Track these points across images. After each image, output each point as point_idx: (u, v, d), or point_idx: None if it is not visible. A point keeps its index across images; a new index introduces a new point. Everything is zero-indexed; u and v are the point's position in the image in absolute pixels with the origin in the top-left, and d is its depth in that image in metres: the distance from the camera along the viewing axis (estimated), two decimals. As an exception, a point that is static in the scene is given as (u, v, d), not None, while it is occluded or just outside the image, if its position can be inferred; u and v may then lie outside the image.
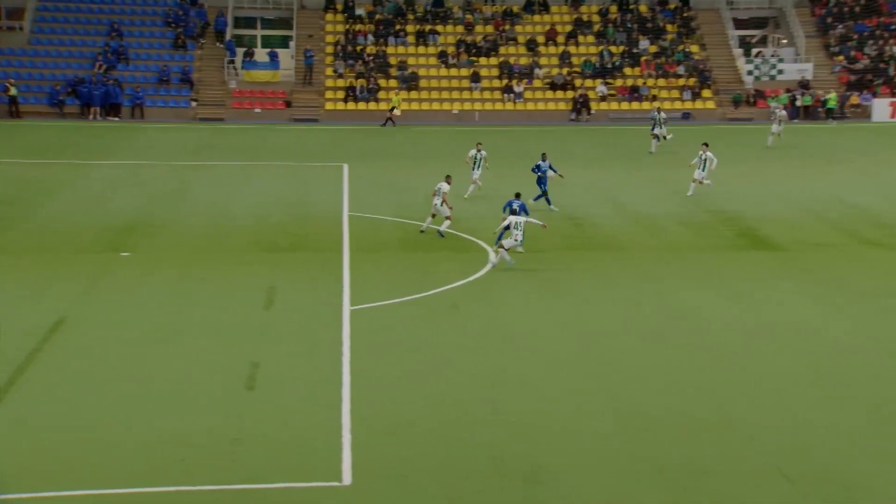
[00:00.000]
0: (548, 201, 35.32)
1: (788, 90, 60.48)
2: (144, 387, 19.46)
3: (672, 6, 65.40)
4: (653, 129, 46.73)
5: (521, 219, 27.97)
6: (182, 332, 22.42)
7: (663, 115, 47.15)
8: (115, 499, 15.36)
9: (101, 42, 58.40)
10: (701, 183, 37.09)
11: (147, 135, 50.47)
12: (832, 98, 59.50)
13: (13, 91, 53.66)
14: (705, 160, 37.00)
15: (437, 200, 30.64)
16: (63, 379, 19.71)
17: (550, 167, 35.95)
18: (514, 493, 15.78)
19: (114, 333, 22.25)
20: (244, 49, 59.77)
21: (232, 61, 58.51)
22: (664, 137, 46.37)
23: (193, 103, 56.40)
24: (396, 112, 55.09)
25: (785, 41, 65.38)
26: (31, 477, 15.83)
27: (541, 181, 35.56)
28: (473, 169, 36.46)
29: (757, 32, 67.10)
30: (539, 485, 16.06)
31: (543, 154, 36.52)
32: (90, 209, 34.38)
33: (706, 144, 37.51)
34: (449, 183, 31.08)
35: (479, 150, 36.41)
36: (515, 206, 29.26)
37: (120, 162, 43.07)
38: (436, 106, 58.16)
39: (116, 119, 54.44)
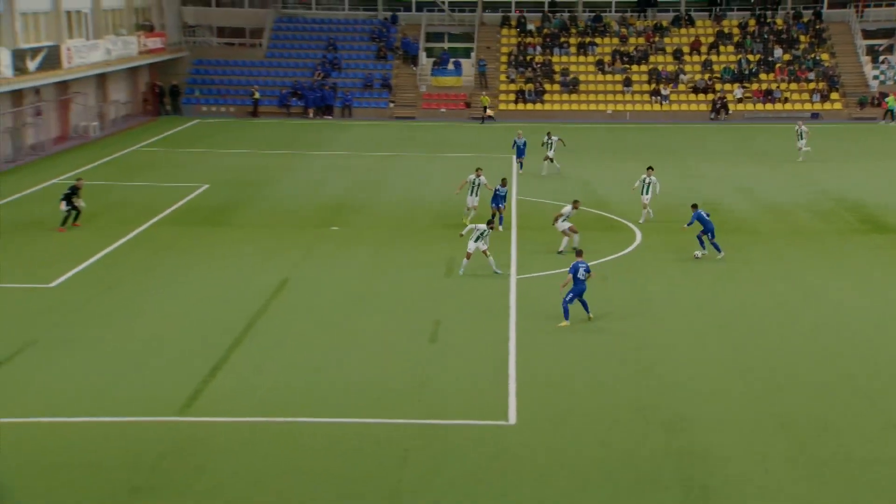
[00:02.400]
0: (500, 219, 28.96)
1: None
2: (349, 337, 19.96)
3: (805, 19, 62.38)
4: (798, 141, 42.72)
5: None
6: (378, 294, 22.87)
7: (804, 128, 42.96)
8: (330, 427, 15.81)
9: (320, 54, 59.84)
10: (645, 207, 29.86)
11: (354, 131, 51.57)
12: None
13: (257, 95, 55.68)
14: (649, 184, 29.66)
15: (563, 226, 26.13)
16: (286, 329, 20.41)
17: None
18: (657, 439, 15.50)
19: (325, 293, 22.89)
20: (433, 59, 60.26)
21: (419, 71, 59.07)
22: (802, 149, 41.92)
23: (391, 104, 57.21)
24: (489, 112, 55.11)
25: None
26: (266, 407, 16.46)
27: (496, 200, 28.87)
28: (470, 195, 29.02)
29: (884, 42, 63.25)
30: (678, 433, 15.72)
31: (503, 180, 29.66)
32: (308, 191, 35.38)
33: (651, 168, 30.22)
34: (576, 208, 26.75)
35: (478, 176, 29.10)
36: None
37: (332, 153, 44.15)
38: (592, 107, 57.29)
39: (329, 118, 55.76)
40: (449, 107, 57.34)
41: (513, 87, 58.16)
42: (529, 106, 57.22)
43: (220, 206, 32.37)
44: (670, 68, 59.22)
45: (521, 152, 37.45)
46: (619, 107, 57.27)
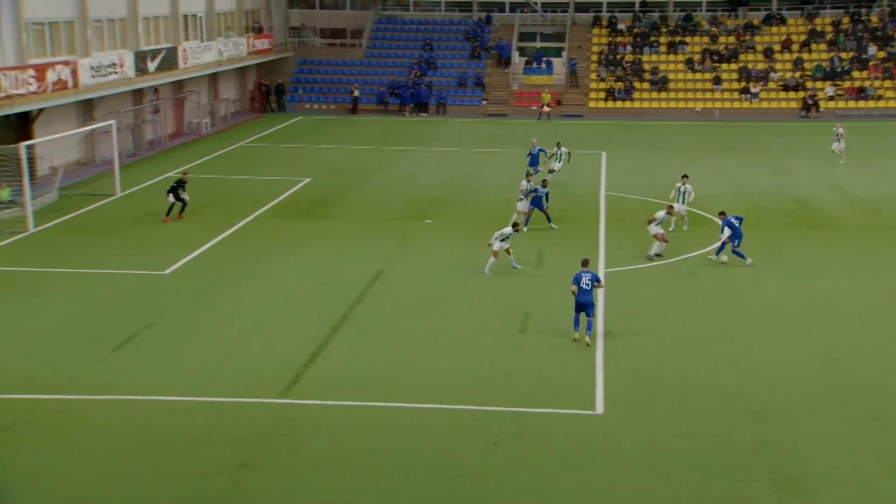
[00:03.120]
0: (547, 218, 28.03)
1: None
2: (441, 327, 20.02)
3: (900, 16, 59.92)
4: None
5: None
6: (468, 285, 22.87)
7: (841, 130, 40.33)
8: (421, 412, 15.90)
9: (417, 54, 60.16)
10: (682, 217, 27.85)
11: (448, 127, 51.69)
12: None
13: (356, 93, 56.33)
14: (683, 192, 27.95)
15: (655, 230, 25.00)
16: (381, 317, 20.59)
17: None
18: (743, 430, 15.13)
19: (418, 283, 23.01)
20: (525, 58, 59.92)
21: (511, 69, 58.83)
22: (837, 151, 39.24)
23: (484, 102, 57.11)
24: (546, 108, 54.26)
25: None
26: (361, 391, 16.65)
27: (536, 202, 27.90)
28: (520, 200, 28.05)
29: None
30: (764, 424, 15.33)
31: (544, 181, 28.99)
32: (403, 185, 35.61)
33: (685, 177, 28.59)
34: (670, 214, 26.06)
35: (528, 181, 28.48)
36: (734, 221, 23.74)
37: (427, 148, 44.34)
38: (681, 104, 56.10)
39: (425, 115, 56.00)
40: (540, 104, 57.01)
41: (603, 85, 57.48)
42: (619, 104, 56.45)
43: (321, 198, 32.84)
44: (760, 66, 57.62)
45: (534, 161, 33.87)
46: (708, 104, 56.00)
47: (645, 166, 39.22)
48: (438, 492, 13.27)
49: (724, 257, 24.38)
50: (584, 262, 19.08)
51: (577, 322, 18.68)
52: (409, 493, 13.25)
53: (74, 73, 35.29)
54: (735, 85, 56.80)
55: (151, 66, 41.73)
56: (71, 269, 23.77)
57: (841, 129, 39.78)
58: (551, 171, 34.21)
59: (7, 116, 31.15)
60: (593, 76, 58.30)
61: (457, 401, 16.17)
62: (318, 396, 16.27)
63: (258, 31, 56.93)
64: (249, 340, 18.98)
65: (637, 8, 62.68)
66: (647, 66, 58.27)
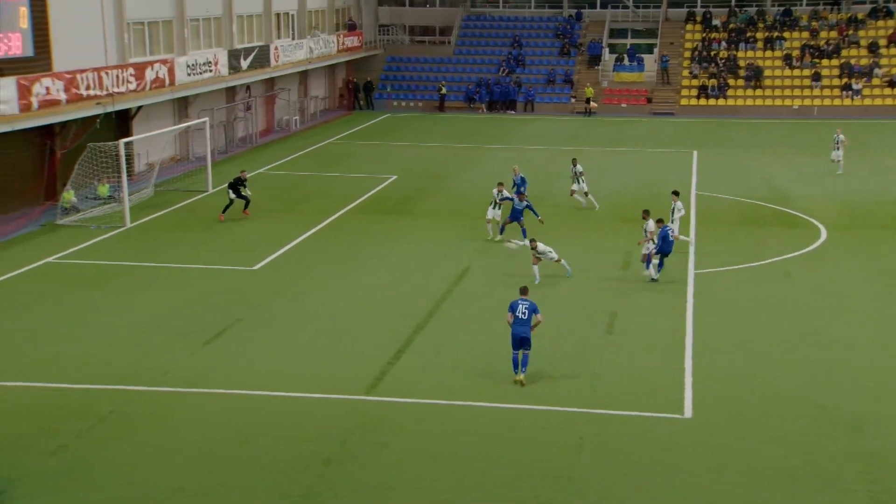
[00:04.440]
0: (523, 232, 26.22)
1: None
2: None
3: None
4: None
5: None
6: (554, 284, 22.73)
7: (842, 136, 37.73)
8: (506, 412, 15.88)
9: (506, 51, 60.10)
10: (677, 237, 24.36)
11: (535, 125, 51.49)
12: None
13: (444, 90, 56.62)
14: (672, 209, 25.03)
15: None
16: (467, 315, 20.64)
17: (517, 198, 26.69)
18: (837, 438, 14.68)
19: (504, 281, 22.91)
20: (615, 55, 59.26)
21: (601, 66, 58.24)
22: (836, 160, 36.23)
23: (572, 99, 56.70)
24: (593, 105, 53.19)
25: None
26: (446, 390, 16.69)
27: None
28: (493, 207, 26.81)
29: None
30: (860, 432, 14.85)
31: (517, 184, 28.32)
32: (489, 183, 35.47)
33: (676, 193, 25.63)
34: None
35: (500, 192, 26.77)
36: None
37: (513, 146, 44.24)
38: (777, 102, 54.66)
39: (512, 112, 55.90)
40: (630, 102, 56.29)
41: (695, 82, 56.42)
42: (712, 101, 55.32)
43: (407, 196, 33.10)
44: (864, 62, 55.68)
45: (518, 191, 28.39)
46: (807, 101, 54.41)
47: (737, 165, 38.37)
48: (522, 492, 13.24)
49: (653, 272, 22.31)
50: (523, 290, 17.00)
51: (516, 362, 16.54)
52: (493, 493, 13.25)
53: (171, 71, 36.39)
54: (836, 81, 55.06)
55: (244, 63, 42.73)
56: (165, 263, 24.53)
57: (842, 136, 36.34)
58: (586, 194, 30.24)
59: (108, 114, 32.28)
60: (685, 73, 57.29)
61: (542, 401, 16.10)
62: (402, 394, 16.40)
63: (352, 28, 57.62)
64: (336, 336, 19.27)
65: (733, 3, 61.32)
66: (742, 63, 56.97)
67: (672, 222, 24.44)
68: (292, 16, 51.48)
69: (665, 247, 22.29)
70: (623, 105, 56.04)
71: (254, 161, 39.63)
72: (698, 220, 28.82)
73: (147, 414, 15.66)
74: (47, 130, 30.77)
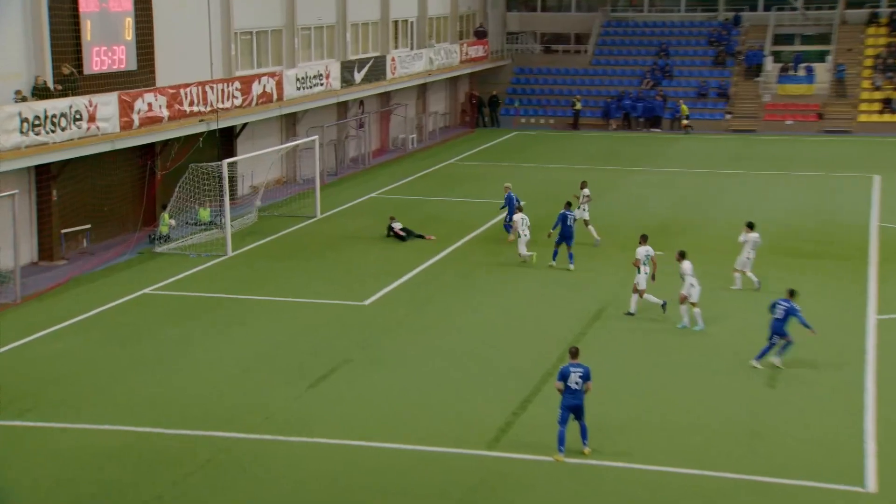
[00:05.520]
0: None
1: None
2: (671, 374, 19.50)
3: None
4: None
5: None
6: (706, 330, 22.13)
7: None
8: (647, 474, 15.50)
9: (650, 61, 59.57)
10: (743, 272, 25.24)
11: (684, 144, 50.65)
12: None
13: (578, 105, 56.42)
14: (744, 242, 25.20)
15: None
16: (603, 360, 20.19)
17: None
18: None
19: (646, 324, 22.53)
20: (780, 64, 57.86)
21: (763, 78, 56.93)
22: None
23: (728, 115, 55.63)
24: (686, 122, 52.21)
25: None
26: (579, 444, 16.42)
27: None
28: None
29: None
30: None
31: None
32: (630, 209, 35.14)
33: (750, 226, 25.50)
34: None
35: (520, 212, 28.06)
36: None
37: (658, 169, 43.56)
38: (978, 117, 52.33)
39: (657, 130, 55.23)
40: (797, 118, 54.79)
41: (877, 94, 54.46)
42: (896, 117, 53.32)
43: (534, 223, 32.93)
44: None
45: (511, 210, 29.66)
46: None
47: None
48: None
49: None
50: (573, 353, 16.07)
51: (563, 437, 15.73)
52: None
53: (279, 84, 37.41)
54: None
55: (358, 76, 43.53)
56: (267, 296, 25.10)
57: None
58: (586, 223, 29.98)
59: (212, 132, 33.23)
60: (866, 84, 55.39)
61: (692, 464, 15.65)
62: (529, 449, 16.22)
63: (481, 35, 57.98)
64: (455, 382, 19.25)
65: (926, 2, 59.15)
66: (933, 72, 54.73)
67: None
68: (412, 23, 52.29)
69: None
70: (788, 122, 54.60)
71: (365, 184, 40.32)
72: (881, 258, 27.64)
73: (244, 463, 15.96)
74: (148, 150, 32.04)
